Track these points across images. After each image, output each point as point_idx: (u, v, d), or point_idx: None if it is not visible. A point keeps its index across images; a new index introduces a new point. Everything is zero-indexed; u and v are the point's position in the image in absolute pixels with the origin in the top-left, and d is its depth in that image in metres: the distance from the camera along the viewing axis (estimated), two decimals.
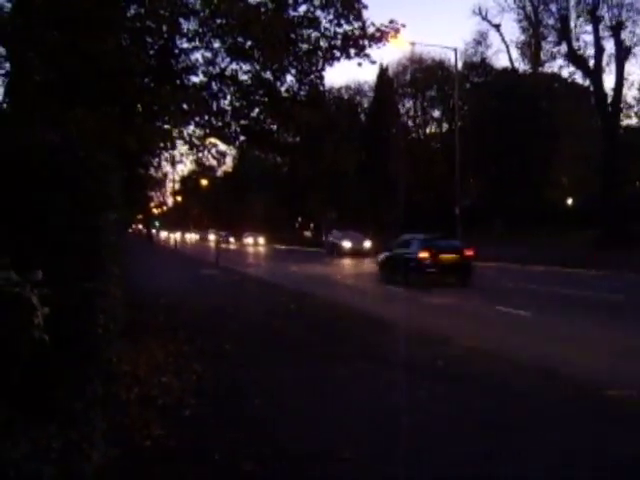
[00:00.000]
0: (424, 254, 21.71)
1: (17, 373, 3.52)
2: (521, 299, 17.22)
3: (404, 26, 12.22)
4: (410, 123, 71.50)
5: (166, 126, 12.76)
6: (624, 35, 40.92)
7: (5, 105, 11.31)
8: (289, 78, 13.15)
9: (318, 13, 12.13)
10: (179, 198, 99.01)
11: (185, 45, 12.36)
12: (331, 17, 12.11)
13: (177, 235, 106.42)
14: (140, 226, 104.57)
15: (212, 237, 79.13)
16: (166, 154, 17.33)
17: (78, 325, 4.35)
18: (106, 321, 4.89)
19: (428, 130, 71.58)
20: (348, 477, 5.12)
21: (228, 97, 13.05)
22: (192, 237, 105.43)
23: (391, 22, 12.10)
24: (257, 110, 13.49)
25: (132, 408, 6.54)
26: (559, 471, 5.20)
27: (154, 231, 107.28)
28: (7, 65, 11.37)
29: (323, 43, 12.32)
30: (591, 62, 42.13)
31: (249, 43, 11.95)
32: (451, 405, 7.07)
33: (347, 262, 40.36)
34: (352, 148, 61.08)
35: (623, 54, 40.90)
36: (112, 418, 5.65)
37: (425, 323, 13.42)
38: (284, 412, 6.83)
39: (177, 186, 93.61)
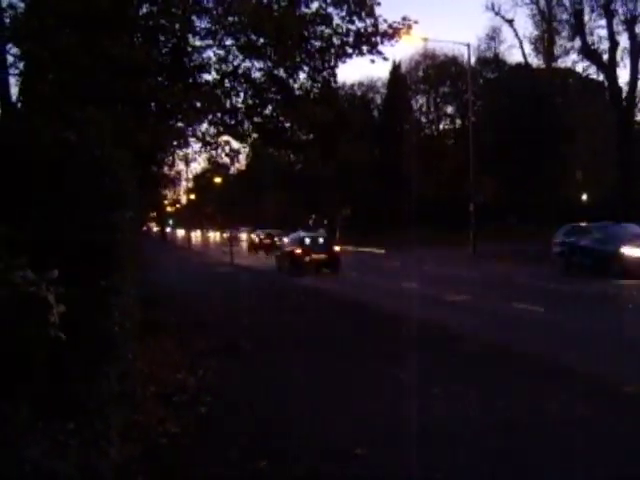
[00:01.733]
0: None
1: (34, 371, 3.55)
2: None
3: (417, 22, 12.21)
4: (423, 119, 71.30)
5: (179, 124, 12.80)
6: (638, 29, 40.61)
7: (19, 104, 11.38)
8: (302, 75, 13.16)
9: (330, 10, 12.12)
10: (193, 196, 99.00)
11: (198, 43, 12.40)
12: (343, 14, 12.09)
13: (197, 233, 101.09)
14: (153, 225, 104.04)
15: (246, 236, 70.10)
16: (180, 152, 17.39)
17: (94, 323, 4.37)
18: (121, 319, 4.91)
19: (441, 126, 71.43)
20: None
21: (241, 95, 13.08)
22: (215, 236, 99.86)
23: (404, 18, 12.09)
24: (270, 107, 13.51)
25: (148, 405, 6.56)
26: None
27: (169, 229, 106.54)
28: (21, 64, 11.44)
29: (335, 40, 12.30)
30: (605, 57, 41.83)
31: (262, 41, 11.96)
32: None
33: None
34: (366, 145, 60.97)
35: (637, 48, 40.57)
36: (128, 416, 5.67)
37: None
38: (298, 410, 6.84)
39: (191, 184, 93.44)
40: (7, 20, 10.54)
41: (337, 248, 29.93)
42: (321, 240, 30.32)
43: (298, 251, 28.65)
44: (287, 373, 8.47)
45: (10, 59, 11.14)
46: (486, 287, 20.62)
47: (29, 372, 3.57)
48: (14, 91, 11.71)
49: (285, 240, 32.80)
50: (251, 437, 5.78)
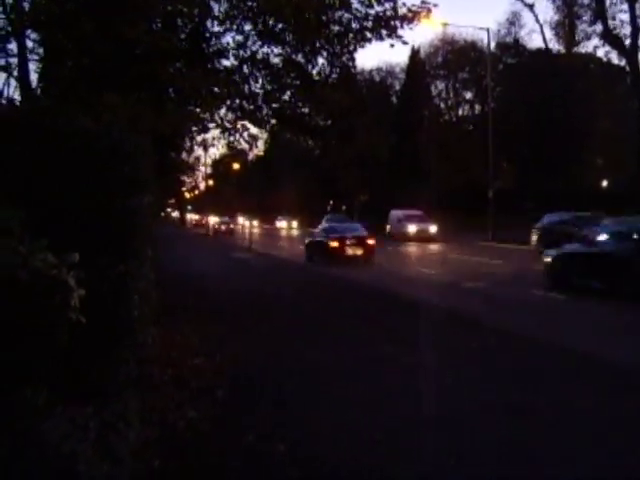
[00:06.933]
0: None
1: (55, 354, 3.57)
2: None
3: (436, 6, 12.04)
4: (442, 105, 70.84)
5: (198, 110, 12.80)
6: None
7: (39, 89, 11.43)
8: (320, 60, 13.09)
9: None
10: (211, 182, 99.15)
11: (216, 28, 12.38)
12: None
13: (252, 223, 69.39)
14: (174, 211, 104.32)
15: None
16: (198, 138, 17.42)
17: (113, 307, 4.39)
18: (140, 303, 4.94)
19: (460, 112, 70.91)
20: None
21: (259, 80, 13.03)
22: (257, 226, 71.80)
23: (423, 2, 11.93)
24: (288, 93, 13.45)
25: (166, 389, 6.59)
26: None
27: (196, 216, 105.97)
28: (41, 50, 11.48)
29: (354, 24, 12.20)
30: (627, 41, 41.35)
31: (280, 26, 11.90)
32: None
33: None
34: (384, 131, 60.76)
35: None
36: (146, 399, 5.71)
37: None
38: (317, 395, 6.85)
39: (209, 170, 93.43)
40: (27, 6, 10.58)
41: None
42: None
43: None
44: None
45: (30, 44, 11.20)
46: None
47: (50, 356, 3.60)
48: (34, 77, 11.79)
49: None
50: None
